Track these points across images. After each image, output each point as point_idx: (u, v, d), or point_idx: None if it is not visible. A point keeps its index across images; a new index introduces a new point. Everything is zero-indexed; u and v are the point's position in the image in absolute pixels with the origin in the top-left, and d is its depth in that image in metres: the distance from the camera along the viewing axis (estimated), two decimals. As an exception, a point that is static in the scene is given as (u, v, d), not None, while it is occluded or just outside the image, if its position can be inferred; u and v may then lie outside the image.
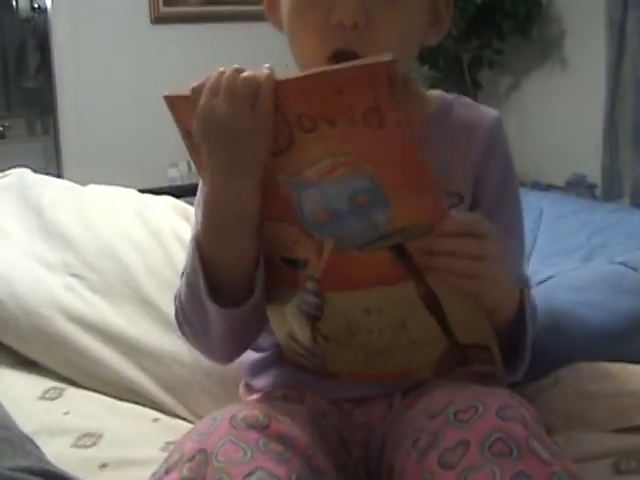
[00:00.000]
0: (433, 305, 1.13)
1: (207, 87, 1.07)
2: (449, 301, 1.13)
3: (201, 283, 1.14)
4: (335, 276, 1.13)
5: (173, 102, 1.11)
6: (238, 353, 1.32)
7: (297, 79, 1.02)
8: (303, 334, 1.22)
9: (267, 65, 1.05)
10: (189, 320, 1.23)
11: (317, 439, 1.14)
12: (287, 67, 1.12)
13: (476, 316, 1.15)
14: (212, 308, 1.14)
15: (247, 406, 1.15)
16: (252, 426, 1.07)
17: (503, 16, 4.54)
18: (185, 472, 1.02)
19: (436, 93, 1.37)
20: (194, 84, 1.08)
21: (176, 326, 1.65)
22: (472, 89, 4.63)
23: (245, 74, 1.05)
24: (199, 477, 1.01)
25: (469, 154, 1.29)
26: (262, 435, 1.06)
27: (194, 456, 1.03)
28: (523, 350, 1.22)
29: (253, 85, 1.04)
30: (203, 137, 1.08)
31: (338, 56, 1.17)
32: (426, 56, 4.48)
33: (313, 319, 1.18)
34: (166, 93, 1.10)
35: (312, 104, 1.00)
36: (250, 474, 1.00)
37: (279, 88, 1.02)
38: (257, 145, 1.05)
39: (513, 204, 1.35)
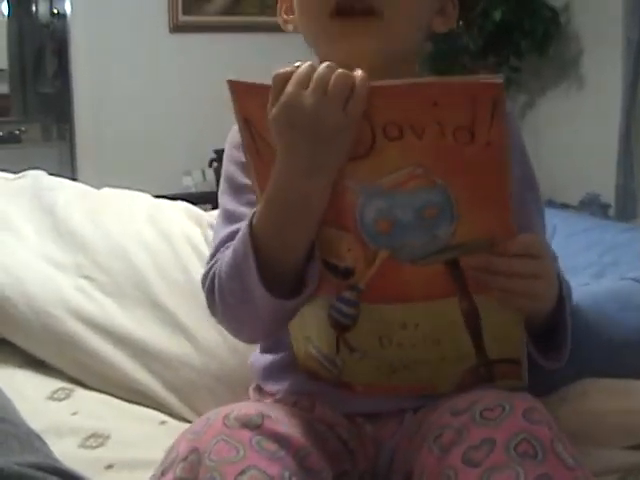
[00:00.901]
0: (472, 321, 1.13)
1: (296, 77, 1.03)
2: (489, 316, 1.12)
3: (253, 270, 1.12)
4: (379, 288, 1.11)
5: (237, 88, 1.06)
6: (268, 337, 1.34)
7: (394, 86, 0.99)
8: (326, 342, 1.21)
9: (359, 70, 1.03)
10: (225, 300, 1.21)
11: (314, 441, 1.14)
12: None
13: (513, 330, 1.15)
14: (263, 296, 1.12)
15: (241, 405, 1.15)
16: (245, 425, 1.07)
17: (521, 34, 4.55)
18: (179, 472, 1.02)
19: None
20: (277, 71, 1.04)
21: (184, 328, 1.66)
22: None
23: (340, 70, 1.02)
24: (192, 476, 1.01)
25: None
26: (255, 434, 1.06)
27: (187, 456, 1.03)
28: (565, 335, 1.23)
29: (348, 82, 1.00)
30: (284, 128, 1.04)
31: (341, 12, 1.19)
32: (442, 71, 4.49)
33: (342, 329, 1.17)
34: (231, 78, 1.06)
35: (404, 112, 0.98)
36: (242, 472, 1.00)
37: (371, 92, 1.00)
38: (339, 146, 1.03)
39: (535, 204, 1.35)
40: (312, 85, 1.02)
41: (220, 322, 1.29)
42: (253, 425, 1.07)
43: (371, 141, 1.01)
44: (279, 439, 1.07)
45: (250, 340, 1.36)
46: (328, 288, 1.15)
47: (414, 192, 1.02)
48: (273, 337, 1.33)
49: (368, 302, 1.13)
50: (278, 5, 1.34)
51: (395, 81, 0.99)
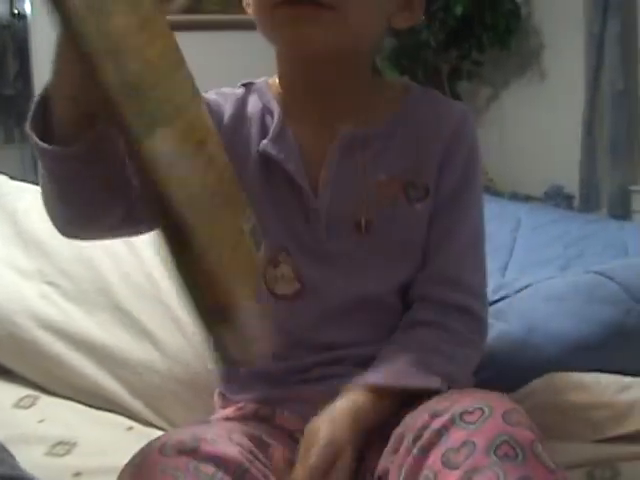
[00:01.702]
0: None
1: None
2: None
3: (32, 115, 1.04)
4: None
5: None
6: (79, 223, 1.18)
7: None
8: None
9: None
10: (44, 186, 1.14)
11: (257, 455, 1.14)
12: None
13: None
14: (35, 144, 1.04)
15: (177, 432, 1.15)
16: (181, 452, 1.06)
17: (483, 28, 4.57)
18: None
19: (405, 83, 1.37)
20: None
21: (149, 333, 1.66)
22: (451, 100, 4.64)
23: None
24: None
25: (434, 147, 1.28)
26: (192, 459, 1.05)
27: None
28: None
29: None
30: None
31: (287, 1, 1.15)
32: (405, 66, 4.49)
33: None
34: None
35: None
36: None
37: None
38: None
39: (466, 208, 1.32)
40: None
41: (46, 210, 1.18)
42: (189, 450, 1.06)
43: None
44: (216, 460, 1.06)
45: (64, 230, 1.20)
46: None
47: None
48: (88, 228, 1.20)
49: None
50: None
51: None
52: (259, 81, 1.35)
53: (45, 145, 1.03)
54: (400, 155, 1.27)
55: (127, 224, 1.17)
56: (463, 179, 1.30)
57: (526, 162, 4.56)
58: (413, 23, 1.29)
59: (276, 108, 1.30)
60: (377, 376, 1.19)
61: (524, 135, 4.65)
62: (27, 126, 1.04)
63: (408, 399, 1.16)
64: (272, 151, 1.26)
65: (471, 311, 1.28)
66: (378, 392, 1.18)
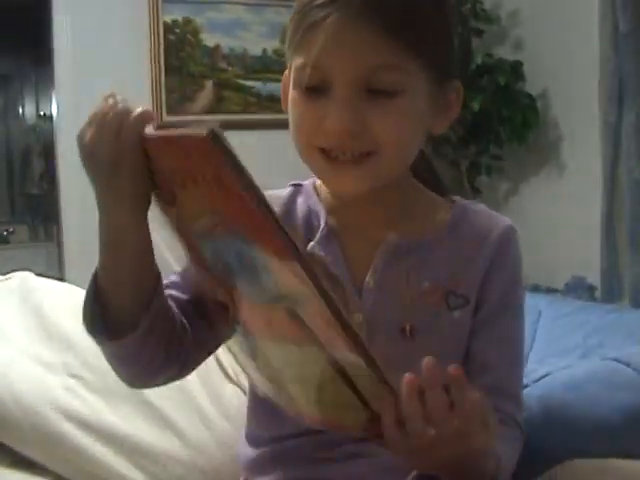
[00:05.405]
0: (342, 374, 1.01)
1: (89, 116, 1.06)
2: (357, 375, 1.01)
3: (86, 310, 1.12)
4: (252, 324, 1.07)
5: None
6: (141, 382, 1.29)
7: (158, 137, 0.99)
8: (252, 372, 1.18)
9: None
10: (104, 354, 1.20)
11: None
12: None
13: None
14: (94, 336, 1.12)
15: None
16: None
17: (500, 123, 4.62)
18: None
19: (452, 196, 1.39)
20: None
21: (172, 424, 1.67)
22: (471, 195, 4.67)
23: (119, 107, 1.03)
24: None
25: (477, 261, 1.30)
26: None
27: None
28: None
29: (121, 115, 1.02)
30: (84, 165, 1.06)
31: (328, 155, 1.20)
32: (424, 161, 4.53)
33: (252, 358, 1.13)
34: None
35: (173, 162, 0.99)
36: None
37: (148, 142, 1.00)
38: (125, 178, 1.02)
39: (511, 319, 1.34)
40: (94, 120, 1.04)
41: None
42: None
43: (171, 190, 1.00)
44: None
45: (128, 384, 1.28)
46: (226, 321, 1.11)
47: (224, 239, 0.98)
48: (148, 380, 1.28)
49: (252, 334, 1.08)
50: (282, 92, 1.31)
51: (162, 132, 0.99)
52: (306, 183, 1.38)
53: (102, 340, 1.12)
54: (443, 265, 1.29)
55: (185, 369, 1.26)
56: (508, 295, 1.32)
57: (547, 255, 4.56)
58: (451, 121, 1.31)
59: (322, 211, 1.33)
60: None
61: (544, 228, 4.66)
62: (82, 318, 1.12)
63: None
64: (320, 253, 1.28)
65: (515, 418, 1.30)
66: None
